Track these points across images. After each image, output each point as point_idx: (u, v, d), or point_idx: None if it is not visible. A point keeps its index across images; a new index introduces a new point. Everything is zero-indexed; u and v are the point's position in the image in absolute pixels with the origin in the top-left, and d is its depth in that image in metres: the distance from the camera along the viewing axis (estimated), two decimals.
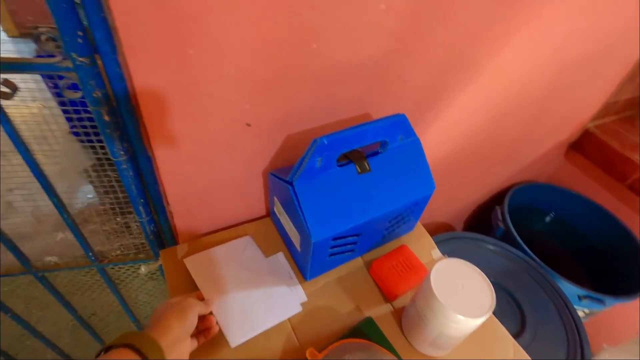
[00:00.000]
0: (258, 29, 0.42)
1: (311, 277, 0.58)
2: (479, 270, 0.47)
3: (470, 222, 1.29)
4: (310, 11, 0.43)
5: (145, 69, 0.41)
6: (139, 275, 0.72)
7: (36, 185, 0.61)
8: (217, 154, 0.53)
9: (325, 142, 0.47)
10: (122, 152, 0.49)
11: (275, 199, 0.58)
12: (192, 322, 0.43)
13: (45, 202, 0.59)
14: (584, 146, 1.17)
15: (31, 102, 0.56)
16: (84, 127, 0.51)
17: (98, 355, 0.35)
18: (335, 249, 0.54)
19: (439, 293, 0.44)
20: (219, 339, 0.50)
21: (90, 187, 0.79)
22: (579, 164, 1.21)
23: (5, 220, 0.62)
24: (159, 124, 0.46)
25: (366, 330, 0.52)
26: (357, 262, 0.62)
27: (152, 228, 0.61)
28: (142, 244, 0.67)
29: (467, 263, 0.48)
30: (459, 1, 0.53)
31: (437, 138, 0.78)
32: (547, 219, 1.29)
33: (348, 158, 0.53)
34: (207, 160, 0.53)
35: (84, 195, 0.77)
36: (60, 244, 0.64)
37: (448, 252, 0.57)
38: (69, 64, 0.39)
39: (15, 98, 0.47)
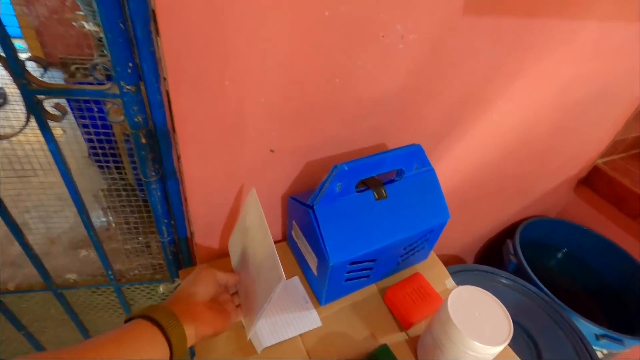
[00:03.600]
0: (289, 66, 0.46)
1: (326, 302, 0.58)
2: (496, 299, 0.47)
3: (481, 256, 1.28)
4: (336, 51, 0.48)
5: (183, 97, 0.44)
6: (153, 297, 0.72)
7: (52, 208, 0.64)
8: (241, 179, 0.56)
9: (346, 168, 0.49)
10: (153, 174, 0.52)
11: (294, 222, 0.60)
12: (205, 282, 0.44)
13: (56, 224, 0.61)
14: (594, 182, 1.18)
15: (57, 125, 0.61)
16: (103, 151, 0.54)
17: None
18: (352, 273, 0.55)
19: (456, 319, 0.44)
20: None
21: (99, 212, 0.82)
22: (590, 199, 1.22)
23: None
24: (191, 148, 0.49)
25: (382, 358, 0.51)
26: (372, 288, 0.62)
27: (172, 248, 0.63)
28: (160, 264, 0.68)
29: (484, 291, 0.48)
30: (473, 44, 0.57)
31: (449, 170, 0.80)
32: (560, 255, 1.28)
33: (366, 185, 0.55)
34: (232, 184, 0.56)
35: (94, 218, 0.79)
36: (82, 262, 0.65)
37: (460, 284, 0.57)
38: (116, 91, 0.43)
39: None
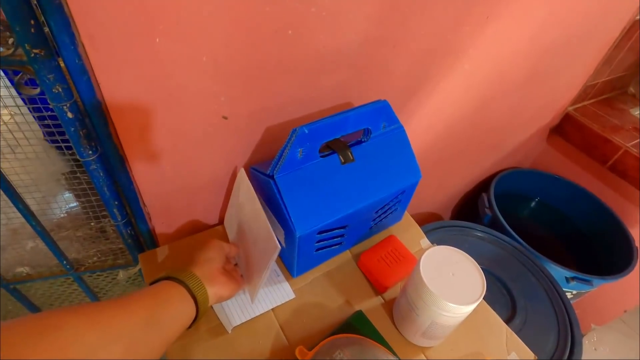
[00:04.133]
0: (230, 15, 0.40)
1: (298, 274, 0.56)
2: (469, 257, 0.46)
3: (458, 211, 1.29)
4: None
5: (108, 61, 0.38)
6: (118, 282, 0.68)
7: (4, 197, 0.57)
8: (193, 150, 0.51)
9: (306, 131, 0.45)
10: (90, 152, 0.46)
11: (258, 194, 0.56)
12: (216, 249, 0.47)
13: (16, 214, 0.56)
14: (566, 130, 1.18)
15: (3, 108, 0.53)
16: (59, 131, 0.47)
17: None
18: (322, 242, 0.53)
19: (429, 281, 0.43)
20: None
21: (70, 196, 0.76)
22: (561, 148, 1.22)
23: None
24: (128, 120, 0.44)
25: (357, 324, 0.50)
26: (345, 255, 0.60)
27: (129, 231, 0.58)
28: (120, 248, 0.64)
29: (457, 250, 0.47)
30: None
31: (420, 126, 0.77)
32: (533, 204, 1.30)
33: (331, 148, 0.51)
34: (183, 157, 0.51)
35: (63, 204, 0.73)
36: (32, 254, 0.60)
37: (436, 242, 0.56)
38: (22, 56, 0.36)
39: None
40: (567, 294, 0.91)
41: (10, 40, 0.36)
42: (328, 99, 0.57)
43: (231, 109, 0.49)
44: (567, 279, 0.96)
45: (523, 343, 0.53)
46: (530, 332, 0.82)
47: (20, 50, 0.36)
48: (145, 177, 0.50)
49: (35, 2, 0.34)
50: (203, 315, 0.41)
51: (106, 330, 0.30)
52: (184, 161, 0.51)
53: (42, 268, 0.62)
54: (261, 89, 0.49)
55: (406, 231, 0.65)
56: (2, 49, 0.35)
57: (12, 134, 0.51)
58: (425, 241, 0.65)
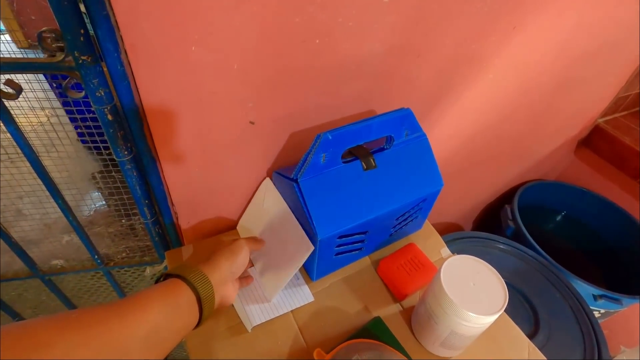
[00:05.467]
0: (260, 25, 0.42)
1: (317, 277, 0.56)
2: (491, 267, 0.46)
3: (480, 222, 1.27)
4: (313, 7, 0.43)
5: (147, 68, 0.41)
6: (145, 278, 0.71)
7: (45, 193, 0.61)
8: (221, 154, 0.53)
9: (330, 137, 0.46)
10: (125, 152, 0.49)
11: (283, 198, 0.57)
12: (242, 263, 0.45)
13: (53, 209, 0.60)
14: (595, 142, 1.15)
15: (40, 110, 0.57)
16: (91, 133, 0.51)
17: (157, 282, 0.37)
18: (342, 247, 0.53)
19: (450, 290, 0.43)
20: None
21: (98, 194, 0.80)
22: (590, 160, 1.18)
23: (15, 227, 0.62)
24: (162, 124, 0.46)
25: (375, 331, 0.50)
26: (365, 261, 0.60)
27: (157, 230, 0.61)
28: (148, 246, 0.67)
29: (478, 259, 0.46)
30: None
31: (443, 135, 0.77)
32: (559, 217, 1.26)
33: (353, 155, 0.52)
34: (211, 160, 0.53)
35: (92, 202, 0.77)
36: (67, 248, 0.64)
37: (457, 252, 0.55)
38: (71, 62, 0.39)
39: (24, 106, 0.48)
40: (594, 312, 0.88)
41: (61, 48, 0.39)
42: (351, 106, 0.58)
43: (258, 115, 0.51)
44: (595, 297, 0.92)
45: (546, 359, 0.51)
46: (554, 349, 0.79)
47: (70, 57, 0.39)
48: (175, 178, 0.53)
49: (85, 12, 0.37)
50: (204, 323, 0.39)
51: (102, 347, 0.27)
52: (212, 164, 0.54)
53: (74, 262, 0.66)
54: (287, 95, 0.51)
55: (427, 239, 0.64)
56: (55, 55, 0.39)
57: (48, 135, 0.54)
58: (445, 250, 0.64)
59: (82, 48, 0.38)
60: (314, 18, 0.44)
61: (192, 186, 0.55)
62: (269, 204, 0.57)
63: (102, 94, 0.42)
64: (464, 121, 0.77)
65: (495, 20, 0.59)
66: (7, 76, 0.41)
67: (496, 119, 0.82)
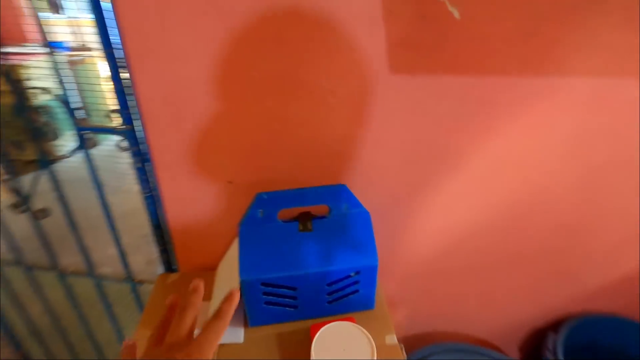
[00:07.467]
0: (229, 114, 0.60)
1: (253, 324, 0.62)
2: (364, 330, 0.46)
3: (527, 348, 1.05)
4: (269, 101, 0.60)
5: (156, 134, 0.62)
6: None
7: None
8: (207, 204, 0.70)
9: (265, 197, 0.58)
10: (146, 190, 0.70)
11: None
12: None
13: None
14: None
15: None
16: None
17: None
18: (270, 297, 0.59)
19: (317, 354, 0.45)
20: None
21: None
22: None
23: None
24: (165, 174, 0.66)
25: None
26: (305, 324, 0.63)
27: (164, 257, 0.78)
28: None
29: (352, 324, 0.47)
30: (415, 99, 0.61)
31: (433, 226, 0.77)
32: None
33: (296, 217, 0.61)
34: (200, 205, 0.70)
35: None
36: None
37: None
38: (122, 128, 0.64)
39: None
40: None
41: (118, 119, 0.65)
42: (319, 179, 0.69)
43: (235, 177, 0.67)
44: None
45: None
46: None
47: (123, 126, 0.64)
48: (172, 215, 0.71)
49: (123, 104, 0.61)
50: None
51: None
52: (201, 209, 0.70)
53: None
54: (257, 165, 0.66)
55: (374, 321, 0.63)
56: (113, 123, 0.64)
57: None
58: (392, 338, 0.62)
59: (126, 120, 0.63)
60: (270, 109, 0.60)
61: (187, 224, 0.72)
62: (234, 251, 0.68)
63: (131, 147, 0.66)
64: (453, 214, 0.76)
65: (469, 120, 0.64)
66: (91, 136, 0.68)
67: (498, 219, 0.78)
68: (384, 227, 0.75)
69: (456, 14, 0.50)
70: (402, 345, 0.61)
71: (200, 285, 0.38)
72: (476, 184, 0.72)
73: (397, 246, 0.80)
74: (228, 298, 0.37)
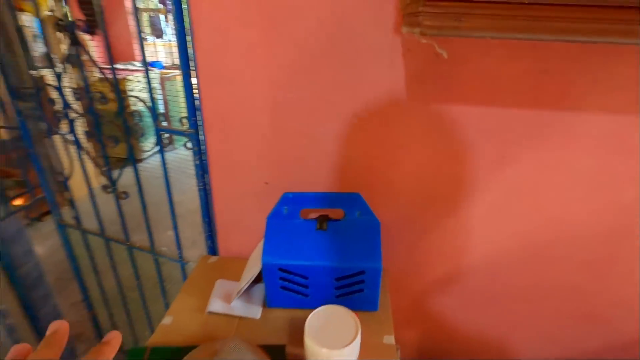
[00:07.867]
0: (269, 140, 0.74)
1: (270, 305, 0.73)
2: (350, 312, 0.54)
3: None
4: (297, 124, 0.72)
5: (214, 140, 0.78)
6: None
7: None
8: (246, 200, 0.83)
9: (290, 196, 0.69)
10: (201, 184, 0.86)
11: None
12: None
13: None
14: None
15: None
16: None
17: None
18: (285, 282, 0.69)
19: (310, 334, 0.54)
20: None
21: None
22: None
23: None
24: (216, 173, 0.81)
25: (275, 357, 0.62)
26: None
27: (209, 244, 0.93)
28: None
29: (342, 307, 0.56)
30: (427, 125, 0.69)
31: (451, 247, 0.81)
32: None
33: (315, 217, 0.71)
34: (241, 200, 0.84)
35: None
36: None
37: None
38: (189, 132, 0.81)
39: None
40: None
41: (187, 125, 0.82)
42: (341, 189, 0.78)
43: (270, 179, 0.80)
44: None
45: None
46: None
47: (189, 129, 0.81)
48: (218, 208, 0.86)
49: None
50: None
51: None
52: (239, 206, 0.84)
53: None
54: (288, 171, 0.78)
55: (374, 321, 0.69)
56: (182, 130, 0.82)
57: None
58: (389, 338, 0.67)
59: (192, 126, 0.80)
60: (299, 129, 0.72)
61: (228, 215, 0.86)
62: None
63: (196, 150, 0.82)
64: (468, 245, 0.80)
65: (481, 151, 0.70)
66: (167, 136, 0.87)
67: (519, 252, 0.79)
68: (398, 242, 0.82)
69: (445, 55, 0.58)
70: (398, 346, 0.66)
71: (117, 337, 0.31)
72: (491, 211, 0.76)
73: (410, 263, 0.85)
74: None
